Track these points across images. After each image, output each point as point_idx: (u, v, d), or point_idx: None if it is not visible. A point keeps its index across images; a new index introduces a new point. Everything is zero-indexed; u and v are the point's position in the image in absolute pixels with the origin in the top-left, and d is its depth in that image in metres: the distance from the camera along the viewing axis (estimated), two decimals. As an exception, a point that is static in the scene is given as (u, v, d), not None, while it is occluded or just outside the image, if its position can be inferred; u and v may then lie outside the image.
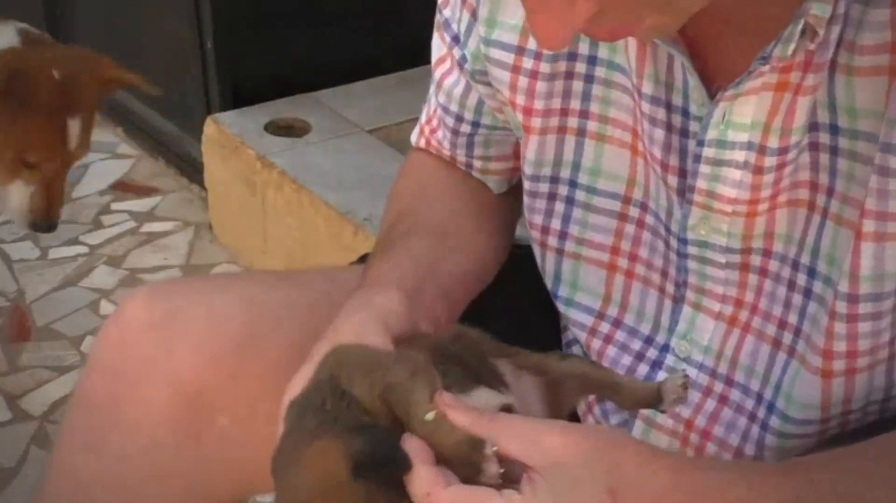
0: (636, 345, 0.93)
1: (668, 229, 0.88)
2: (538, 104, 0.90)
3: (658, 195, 0.88)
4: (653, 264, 0.91)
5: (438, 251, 0.92)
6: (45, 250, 2.25)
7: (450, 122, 1.01)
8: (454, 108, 1.00)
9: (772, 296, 0.85)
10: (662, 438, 0.92)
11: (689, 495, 0.65)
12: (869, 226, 0.76)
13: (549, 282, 0.97)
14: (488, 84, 0.94)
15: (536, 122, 0.91)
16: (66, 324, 2.03)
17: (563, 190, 0.93)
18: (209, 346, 0.88)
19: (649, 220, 0.90)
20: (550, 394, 0.79)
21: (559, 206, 0.94)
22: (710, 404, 0.90)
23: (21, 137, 1.65)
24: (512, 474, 0.68)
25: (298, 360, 0.77)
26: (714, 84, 0.80)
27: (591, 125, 0.90)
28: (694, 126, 0.82)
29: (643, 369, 0.92)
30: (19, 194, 1.74)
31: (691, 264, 0.87)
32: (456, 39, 0.96)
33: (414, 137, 1.08)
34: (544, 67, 0.89)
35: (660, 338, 0.92)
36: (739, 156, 0.80)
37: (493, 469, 0.67)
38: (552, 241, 0.95)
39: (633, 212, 0.91)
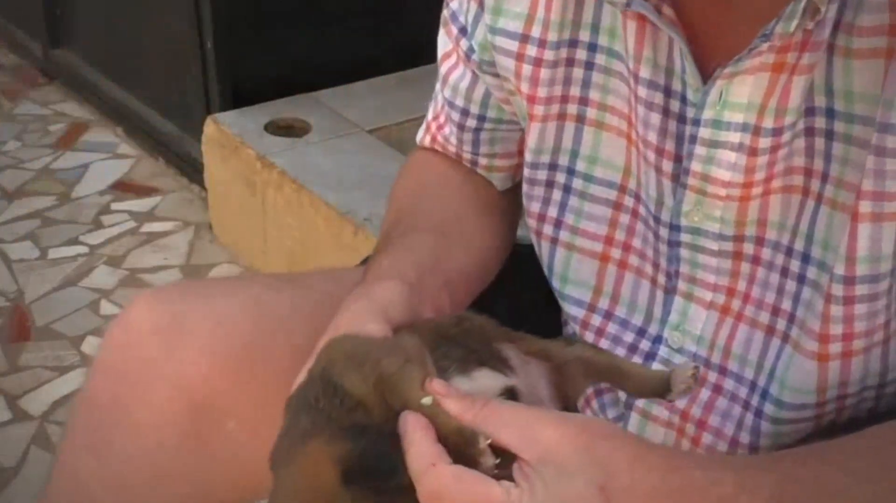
0: (629, 337, 0.94)
1: (657, 219, 0.88)
2: (541, 92, 0.91)
3: (647, 185, 0.88)
4: (646, 255, 0.91)
5: (440, 247, 0.92)
6: (44, 250, 2.25)
7: (455, 116, 1.01)
8: (460, 102, 1.00)
9: (764, 283, 0.85)
10: (658, 430, 0.92)
11: (676, 493, 0.66)
12: (865, 207, 0.76)
13: (546, 274, 0.97)
14: (496, 74, 0.95)
15: (539, 110, 0.91)
16: (66, 324, 2.03)
17: (560, 177, 0.93)
18: (215, 350, 0.88)
19: (642, 210, 0.90)
20: (557, 380, 0.79)
21: (556, 194, 0.94)
22: (705, 394, 0.90)
23: None
24: (506, 462, 0.68)
25: (304, 363, 0.77)
26: (711, 64, 0.81)
27: (591, 112, 0.90)
28: (691, 112, 0.82)
29: (636, 361, 0.92)
30: None
31: (683, 252, 0.87)
32: (463, 31, 0.96)
33: (419, 136, 1.08)
34: (547, 55, 0.89)
35: (652, 330, 0.92)
36: (734, 137, 0.80)
37: (489, 462, 0.67)
38: (547, 229, 0.95)
39: (628, 201, 0.91)
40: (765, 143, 0.79)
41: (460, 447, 0.68)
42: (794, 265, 0.83)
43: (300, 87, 2.27)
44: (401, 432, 0.68)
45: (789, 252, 0.83)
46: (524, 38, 0.90)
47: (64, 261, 2.21)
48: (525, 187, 0.96)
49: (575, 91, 0.90)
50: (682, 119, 0.84)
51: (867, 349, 0.81)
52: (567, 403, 0.79)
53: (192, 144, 2.36)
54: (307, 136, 2.14)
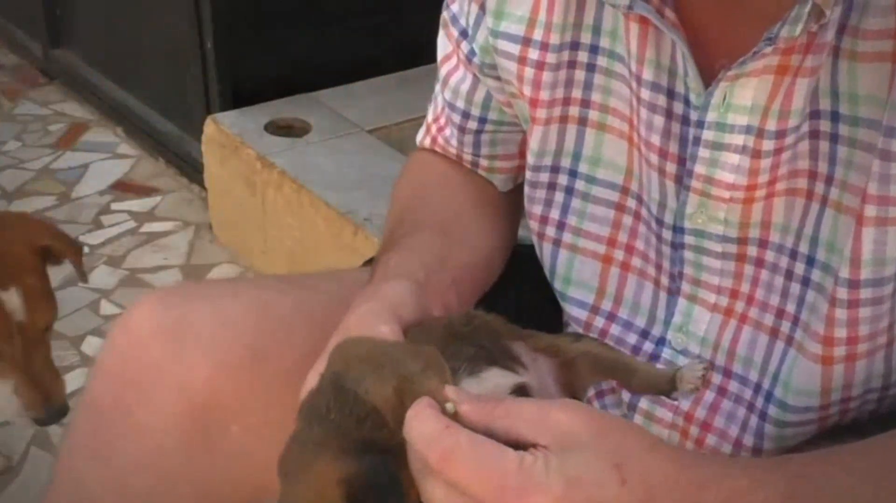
0: (632, 338, 0.93)
1: (659, 222, 0.88)
2: (543, 95, 0.90)
3: (650, 187, 0.88)
4: (648, 257, 0.91)
5: (445, 247, 0.92)
6: (45, 250, 2.25)
7: (456, 118, 1.01)
8: (461, 104, 1.00)
9: (769, 286, 0.85)
10: (662, 432, 0.92)
11: (691, 484, 0.65)
12: (870, 210, 0.76)
13: (547, 276, 0.97)
14: (497, 77, 0.94)
15: (542, 113, 0.91)
16: (66, 324, 2.02)
17: (562, 179, 0.93)
18: (220, 353, 0.87)
19: (644, 212, 0.90)
20: (565, 376, 0.78)
21: (558, 196, 0.94)
22: (710, 396, 0.90)
23: None
24: None
25: (310, 367, 0.76)
26: (715, 63, 0.80)
27: (593, 114, 0.90)
28: (694, 114, 0.82)
29: None
30: (2, 397, 1.41)
31: (687, 254, 0.87)
32: (464, 34, 0.96)
33: (419, 137, 1.08)
34: (550, 58, 0.89)
35: (655, 331, 0.92)
36: (738, 139, 0.80)
37: None
38: (550, 231, 0.95)
39: (631, 203, 0.91)
40: (768, 145, 0.79)
41: None
42: (799, 268, 0.83)
43: (300, 87, 2.27)
44: (407, 415, 0.66)
45: (793, 254, 0.83)
46: (526, 42, 0.90)
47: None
48: (527, 190, 0.96)
49: (577, 93, 0.90)
50: (685, 121, 0.84)
51: (871, 352, 0.81)
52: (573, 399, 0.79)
53: (192, 144, 2.36)
54: (307, 136, 2.14)
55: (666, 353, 0.91)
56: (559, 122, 0.91)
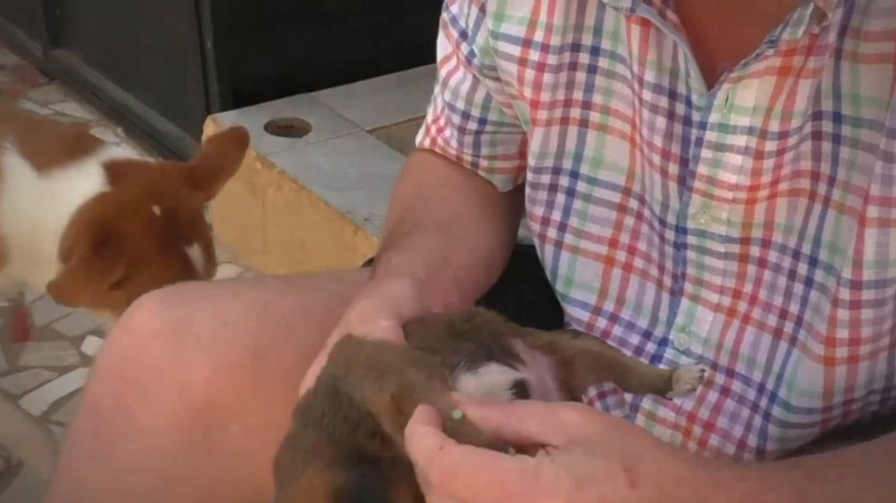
0: (634, 339, 0.93)
1: (662, 222, 0.88)
2: (544, 96, 0.90)
3: (653, 187, 0.88)
4: (651, 257, 0.91)
5: (447, 246, 0.92)
6: (45, 250, 2.24)
7: (456, 119, 1.01)
8: (461, 105, 1.00)
9: (772, 286, 0.85)
10: (665, 432, 0.92)
11: (702, 487, 0.65)
12: (873, 212, 0.76)
13: (549, 277, 0.97)
14: (497, 79, 0.94)
15: (542, 114, 0.91)
16: (66, 324, 2.02)
17: (564, 181, 0.93)
18: (221, 354, 0.87)
19: (647, 212, 0.90)
20: (563, 373, 0.78)
21: (560, 198, 0.94)
22: (713, 396, 0.90)
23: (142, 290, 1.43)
24: None
25: (311, 363, 0.76)
26: (717, 64, 0.81)
27: (594, 116, 0.90)
28: (696, 115, 0.82)
29: None
30: None
31: (690, 255, 0.87)
32: (464, 35, 0.96)
33: (419, 138, 1.08)
34: (551, 59, 0.89)
35: (658, 332, 0.92)
36: (741, 140, 0.80)
37: None
38: (552, 232, 0.95)
39: (633, 203, 0.91)
40: (771, 146, 0.79)
41: None
42: (802, 268, 0.83)
43: (300, 87, 2.26)
44: (408, 428, 0.66)
45: (797, 255, 0.83)
46: (527, 43, 0.90)
47: (64, 261, 2.21)
48: (528, 191, 0.96)
49: (578, 95, 0.90)
50: (687, 122, 0.84)
51: (874, 354, 0.81)
52: (572, 397, 0.79)
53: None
54: (307, 136, 2.14)
55: (669, 354, 0.91)
56: (560, 123, 0.91)
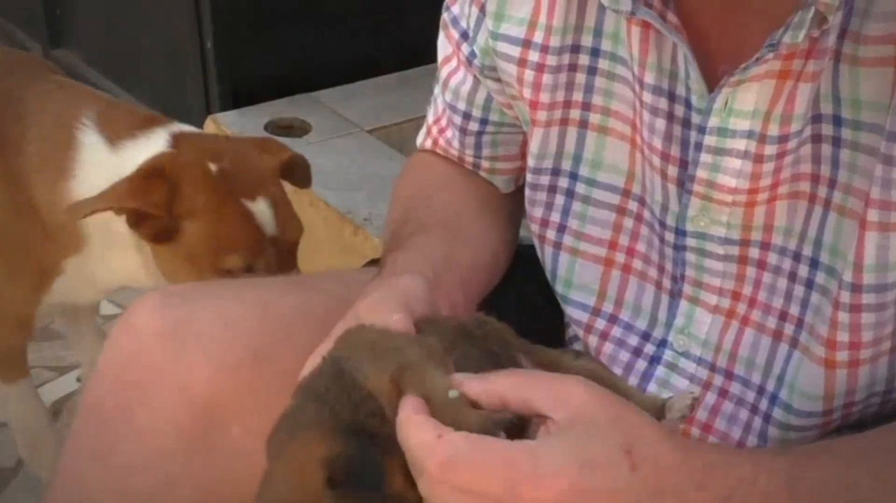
0: (633, 340, 0.94)
1: (662, 224, 0.88)
2: (544, 97, 0.91)
3: (653, 189, 0.88)
4: (650, 259, 0.91)
5: (451, 247, 0.92)
6: (45, 250, 2.24)
7: (457, 120, 1.01)
8: (462, 105, 1.00)
9: (772, 288, 0.85)
10: None
11: (699, 472, 0.66)
12: (873, 215, 0.76)
13: (548, 278, 0.97)
14: (498, 79, 0.95)
15: (542, 115, 0.91)
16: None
17: (563, 182, 0.93)
18: (222, 354, 0.87)
19: (646, 214, 0.90)
20: None
21: (559, 199, 0.94)
22: (711, 398, 0.90)
23: (208, 246, 1.33)
24: None
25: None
26: (717, 66, 0.81)
27: (594, 117, 0.90)
28: (696, 117, 0.82)
29: (641, 365, 0.93)
30: None
31: (689, 257, 0.87)
32: (464, 36, 0.96)
33: (419, 139, 1.08)
34: (550, 60, 0.89)
35: (657, 334, 0.92)
36: (740, 144, 0.80)
37: None
38: (550, 234, 0.95)
39: (632, 205, 0.91)
40: (770, 150, 0.79)
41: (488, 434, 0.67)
42: (803, 270, 0.83)
43: (300, 87, 2.27)
44: (399, 417, 0.66)
45: (797, 257, 0.83)
46: (526, 44, 0.90)
47: (64, 261, 2.21)
48: (528, 192, 0.96)
49: (578, 96, 0.90)
50: (686, 124, 0.84)
51: (874, 358, 0.81)
52: None
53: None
54: (307, 136, 2.14)
55: (667, 355, 0.91)
56: (559, 124, 0.91)
